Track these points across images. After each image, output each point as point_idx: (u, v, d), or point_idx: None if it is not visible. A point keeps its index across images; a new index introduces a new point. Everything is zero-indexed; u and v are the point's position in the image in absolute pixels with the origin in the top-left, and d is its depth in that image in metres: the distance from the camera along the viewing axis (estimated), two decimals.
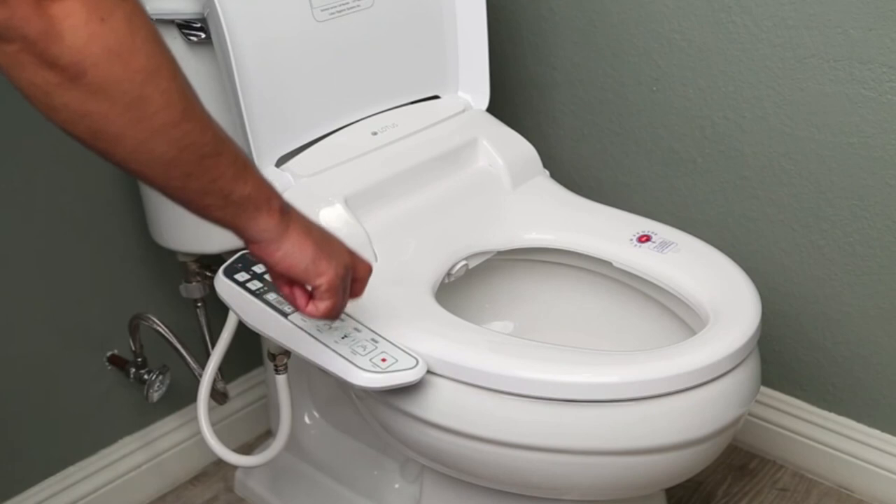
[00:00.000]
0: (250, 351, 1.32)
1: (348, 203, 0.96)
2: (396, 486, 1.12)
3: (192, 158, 0.63)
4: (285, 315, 0.86)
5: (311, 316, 0.76)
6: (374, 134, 1.05)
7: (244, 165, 0.68)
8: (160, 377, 1.18)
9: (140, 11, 0.59)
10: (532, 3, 1.28)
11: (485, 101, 1.14)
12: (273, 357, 0.98)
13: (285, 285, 0.76)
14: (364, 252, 0.94)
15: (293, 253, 0.72)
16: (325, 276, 0.73)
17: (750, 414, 1.28)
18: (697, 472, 0.89)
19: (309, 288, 0.76)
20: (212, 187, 0.66)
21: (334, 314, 0.76)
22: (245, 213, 0.69)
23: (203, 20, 0.95)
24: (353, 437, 1.17)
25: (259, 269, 0.92)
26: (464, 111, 1.12)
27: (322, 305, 0.75)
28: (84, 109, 0.58)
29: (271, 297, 0.88)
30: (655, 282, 0.96)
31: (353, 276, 0.77)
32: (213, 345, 1.11)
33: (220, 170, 0.65)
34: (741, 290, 0.90)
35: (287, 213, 0.72)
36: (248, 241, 0.72)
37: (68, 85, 0.57)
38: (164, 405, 1.27)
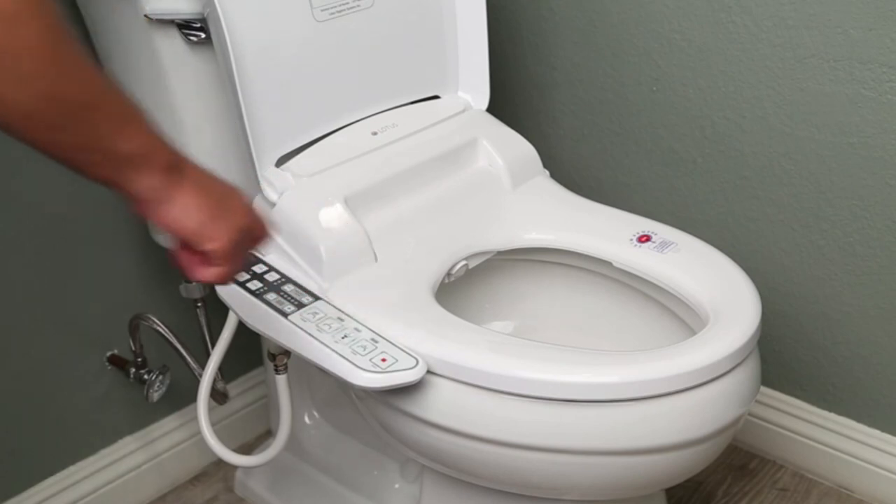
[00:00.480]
0: (250, 351, 1.32)
1: (348, 203, 0.96)
2: (396, 486, 1.12)
3: (60, 111, 0.57)
4: (285, 315, 0.86)
5: (201, 280, 0.71)
6: (374, 134, 1.05)
7: (128, 119, 0.62)
8: (160, 377, 1.18)
9: None
10: (532, 3, 1.28)
11: (485, 101, 1.14)
12: (273, 357, 0.98)
13: (178, 245, 0.71)
14: (364, 252, 0.94)
15: (180, 216, 0.66)
16: (216, 243, 0.68)
17: (750, 414, 1.28)
18: (697, 472, 0.89)
19: None
20: (87, 143, 0.60)
21: (224, 280, 0.72)
22: (126, 172, 0.63)
23: (203, 20, 0.95)
24: (353, 437, 1.17)
25: (259, 268, 0.92)
26: (464, 111, 1.12)
27: (213, 271, 0.70)
28: None
29: (271, 297, 0.89)
30: (655, 282, 0.96)
31: (251, 235, 0.72)
32: (213, 345, 1.11)
33: (97, 124, 0.59)
34: (741, 290, 0.90)
35: (176, 171, 0.65)
36: (132, 201, 0.65)
37: None
38: (164, 405, 1.27)
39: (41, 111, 0.57)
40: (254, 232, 0.73)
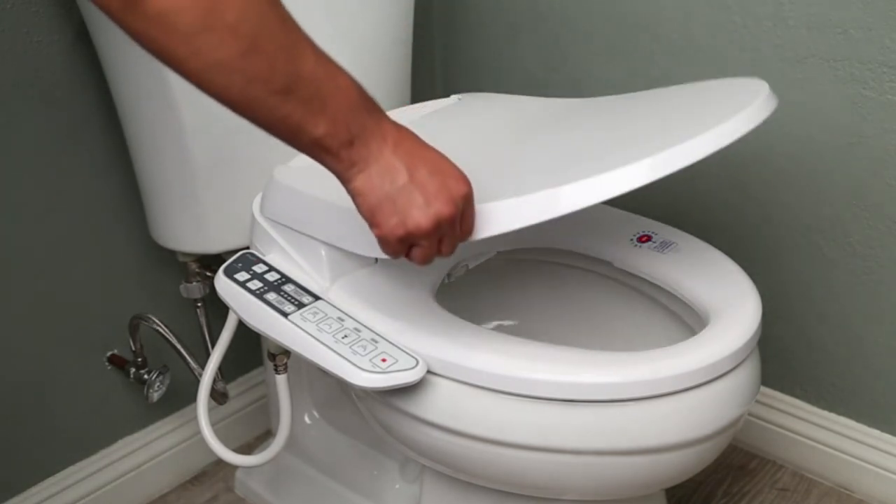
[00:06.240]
0: (250, 351, 1.32)
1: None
2: (396, 486, 1.12)
3: (257, 94, 0.63)
4: (285, 315, 0.86)
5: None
6: None
7: (320, 107, 0.65)
8: (160, 377, 1.18)
9: None
10: (532, 2, 1.28)
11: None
12: (273, 357, 0.98)
13: None
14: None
15: (354, 198, 0.70)
16: (378, 230, 0.71)
17: (750, 414, 1.28)
18: (697, 472, 0.89)
19: None
20: (279, 124, 0.65)
21: (393, 256, 0.73)
22: (311, 152, 0.68)
23: None
24: (353, 437, 1.17)
25: (259, 268, 0.92)
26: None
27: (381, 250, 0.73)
28: (146, 35, 0.59)
29: (271, 296, 0.88)
30: (655, 282, 0.96)
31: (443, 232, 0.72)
32: (213, 345, 1.11)
33: (288, 109, 0.64)
34: (741, 290, 0.90)
35: (356, 166, 0.68)
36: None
37: (128, 10, 0.58)
38: (164, 405, 1.27)
39: (241, 92, 0.62)
40: (437, 230, 0.71)
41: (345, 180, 0.70)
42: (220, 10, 0.59)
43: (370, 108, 0.69)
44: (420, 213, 0.69)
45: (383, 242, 0.72)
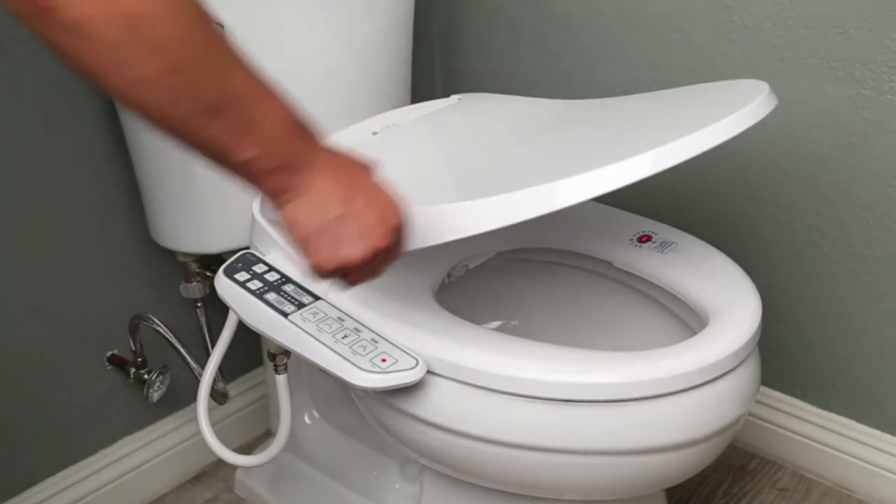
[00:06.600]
0: (250, 351, 1.32)
1: None
2: (396, 486, 1.12)
3: (178, 113, 0.58)
4: (285, 315, 0.86)
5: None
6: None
7: (248, 130, 0.61)
8: (160, 377, 1.18)
9: None
10: (532, 2, 1.28)
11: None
12: (273, 357, 0.98)
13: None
14: None
15: (284, 226, 0.67)
16: (309, 259, 0.68)
17: (750, 414, 1.28)
18: (697, 472, 0.89)
19: None
20: (203, 145, 0.61)
21: (319, 277, 0.71)
22: (239, 176, 0.64)
23: None
24: (353, 437, 1.17)
25: (259, 268, 0.92)
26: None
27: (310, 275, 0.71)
28: (59, 46, 0.55)
29: (271, 296, 0.88)
30: (655, 282, 0.96)
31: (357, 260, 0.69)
32: (213, 345, 1.11)
33: (213, 130, 0.60)
34: (741, 290, 0.90)
35: (286, 193, 0.65)
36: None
37: (40, 18, 0.54)
38: (164, 405, 1.27)
39: (163, 110, 0.58)
40: (372, 261, 0.69)
41: (275, 207, 0.67)
42: (139, 26, 0.55)
43: (304, 135, 0.66)
44: (355, 246, 0.67)
45: (313, 272, 0.69)
